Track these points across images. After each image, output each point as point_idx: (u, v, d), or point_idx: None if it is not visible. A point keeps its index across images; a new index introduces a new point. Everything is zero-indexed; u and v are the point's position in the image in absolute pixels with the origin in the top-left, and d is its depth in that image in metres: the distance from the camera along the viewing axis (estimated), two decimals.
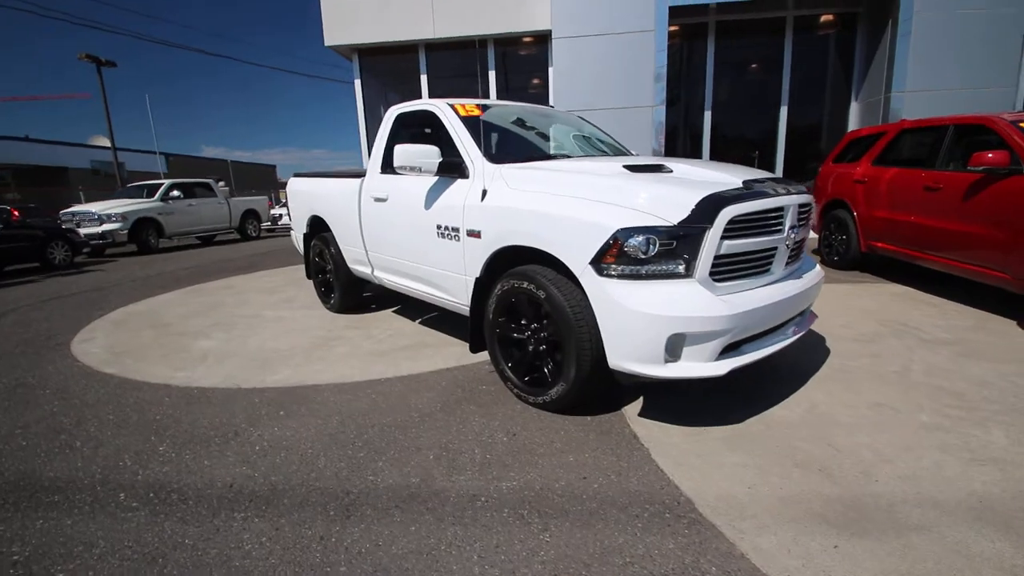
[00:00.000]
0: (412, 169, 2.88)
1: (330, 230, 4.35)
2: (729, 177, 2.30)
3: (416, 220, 3.14)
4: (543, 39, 8.30)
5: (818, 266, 2.81)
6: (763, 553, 1.52)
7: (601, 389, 2.37)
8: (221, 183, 13.44)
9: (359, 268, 4.10)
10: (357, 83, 8.76)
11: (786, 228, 2.35)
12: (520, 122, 3.50)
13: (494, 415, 2.48)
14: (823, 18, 7.99)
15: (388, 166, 3.60)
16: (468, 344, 2.81)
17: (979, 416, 2.28)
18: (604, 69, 7.45)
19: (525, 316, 2.53)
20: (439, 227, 2.95)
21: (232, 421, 2.52)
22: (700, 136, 8.37)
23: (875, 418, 2.30)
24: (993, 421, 2.23)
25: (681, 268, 2.06)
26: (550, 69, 8.38)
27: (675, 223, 2.02)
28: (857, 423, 2.26)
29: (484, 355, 3.19)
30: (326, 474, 2.02)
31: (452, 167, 2.86)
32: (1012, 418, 2.24)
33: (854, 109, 8.07)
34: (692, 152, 8.47)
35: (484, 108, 3.30)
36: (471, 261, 2.77)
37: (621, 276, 2.08)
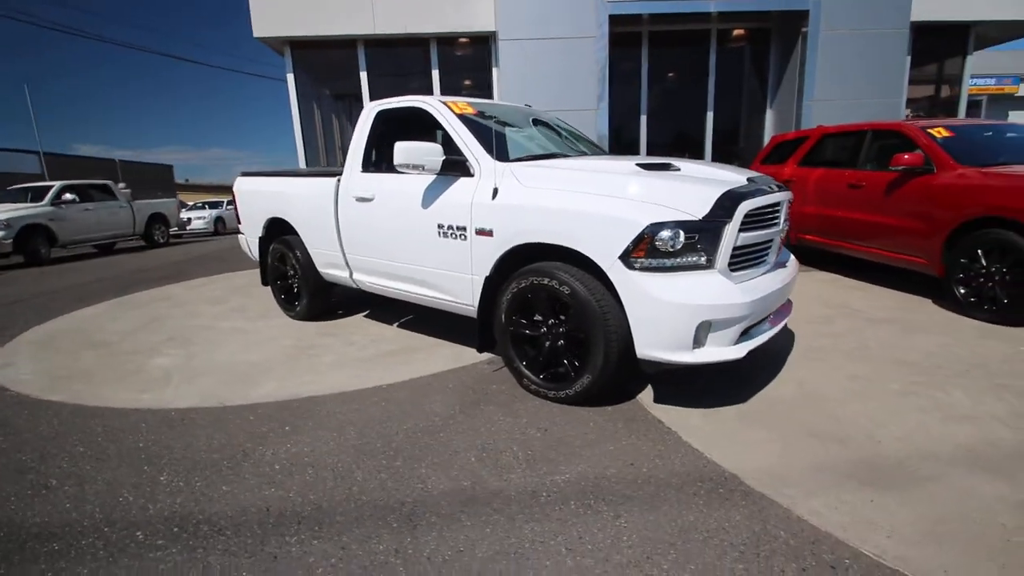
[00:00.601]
0: (415, 167, 2.79)
1: (295, 233, 4.08)
2: (735, 175, 2.48)
3: (411, 220, 3.05)
4: (485, 40, 8.32)
5: (792, 256, 3.10)
6: (817, 514, 1.67)
7: (623, 379, 2.46)
8: (122, 185, 12.06)
9: (332, 272, 3.89)
10: (290, 78, 8.22)
11: (781, 221, 2.58)
12: (505, 121, 3.50)
13: (518, 413, 2.49)
14: (736, 32, 8.75)
15: (370, 164, 3.47)
16: (458, 345, 2.81)
17: (937, 381, 2.65)
18: (550, 72, 7.61)
19: (542, 313, 2.56)
20: (441, 227, 2.89)
21: (233, 442, 2.31)
22: (637, 139, 8.82)
23: (857, 390, 2.60)
24: (950, 384, 2.60)
25: (704, 260, 2.20)
26: (494, 70, 8.42)
27: (700, 217, 2.16)
28: (844, 395, 2.54)
29: (477, 355, 3.18)
30: (369, 486, 1.92)
31: (456, 165, 2.82)
32: (964, 381, 2.64)
33: (769, 116, 8.92)
34: (630, 153, 8.90)
35: (473, 106, 3.28)
36: (479, 260, 2.75)
37: (650, 269, 2.18)
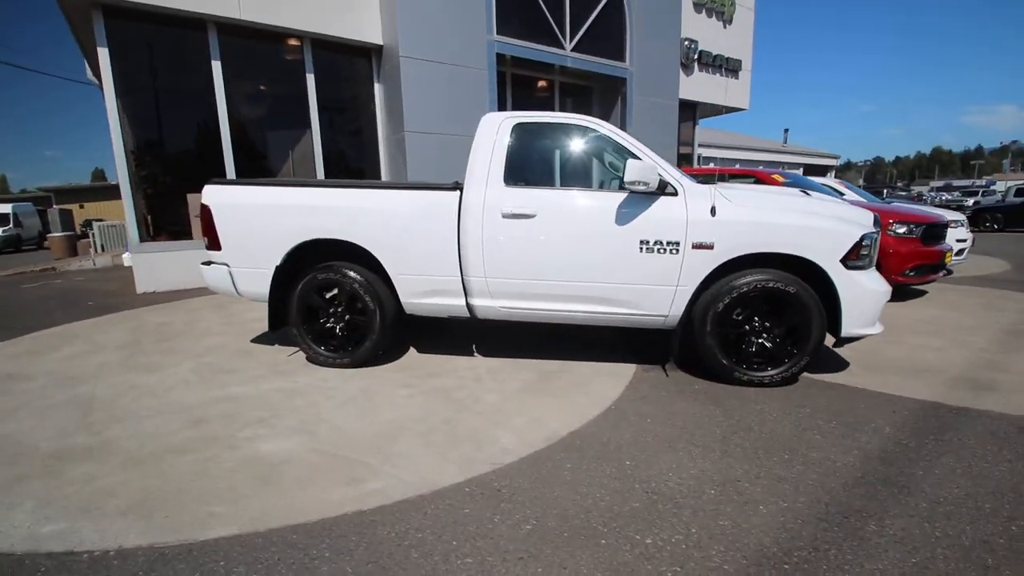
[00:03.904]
0: (643, 184, 2.85)
1: (354, 258, 3.33)
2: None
3: (601, 237, 3.04)
4: (368, 52, 7.72)
5: None
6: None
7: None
8: None
9: (431, 301, 3.34)
10: (103, 54, 5.82)
11: None
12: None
13: (769, 397, 2.88)
14: (575, 85, 10.50)
15: (518, 178, 3.22)
16: (571, 360, 3.03)
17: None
18: (442, 95, 7.61)
19: (757, 312, 3.02)
20: (645, 242, 3.01)
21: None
22: None
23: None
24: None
25: (870, 260, 3.09)
26: (376, 85, 7.87)
27: (874, 230, 3.05)
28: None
29: (632, 364, 3.39)
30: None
31: (663, 185, 3.00)
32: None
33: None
34: None
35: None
36: (690, 272, 3.01)
37: (856, 268, 2.94)
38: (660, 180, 2.98)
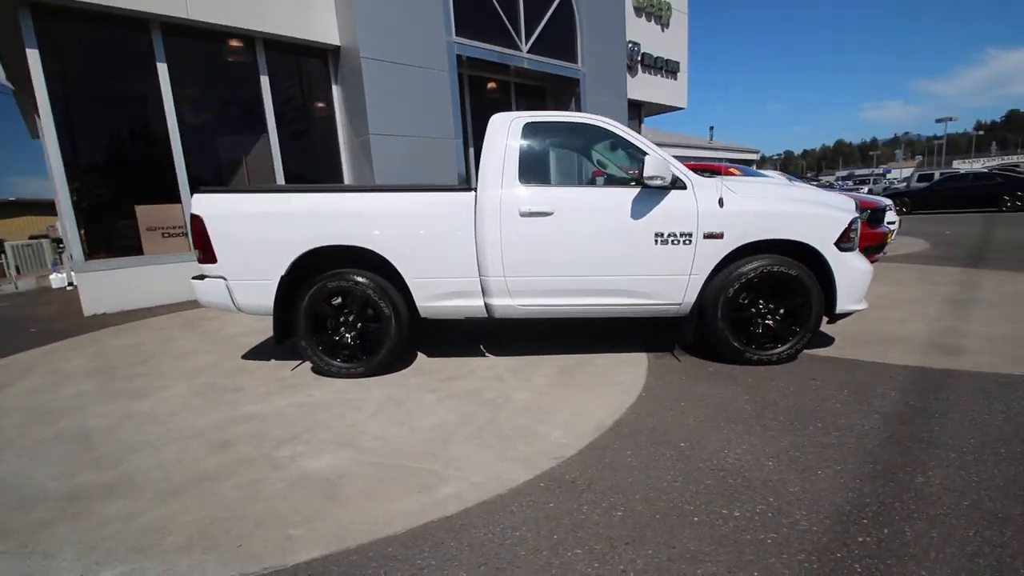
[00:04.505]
0: (660, 178, 2.97)
1: (364, 263, 3.24)
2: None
3: (619, 231, 3.14)
4: (324, 53, 7.42)
5: None
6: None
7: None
8: None
9: (449, 303, 3.31)
10: (33, 56, 5.19)
11: None
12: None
13: (790, 374, 3.09)
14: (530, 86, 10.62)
15: (531, 177, 3.24)
16: (590, 353, 3.19)
17: None
18: (410, 98, 7.49)
19: (762, 295, 3.23)
20: (660, 235, 3.13)
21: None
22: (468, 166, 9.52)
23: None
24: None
25: (855, 242, 3.39)
26: (335, 87, 7.59)
27: (857, 214, 3.34)
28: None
29: (650, 351, 3.54)
30: None
31: (675, 180, 3.13)
32: None
33: None
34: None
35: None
36: (702, 261, 3.17)
37: (846, 250, 3.22)
38: (675, 176, 3.12)
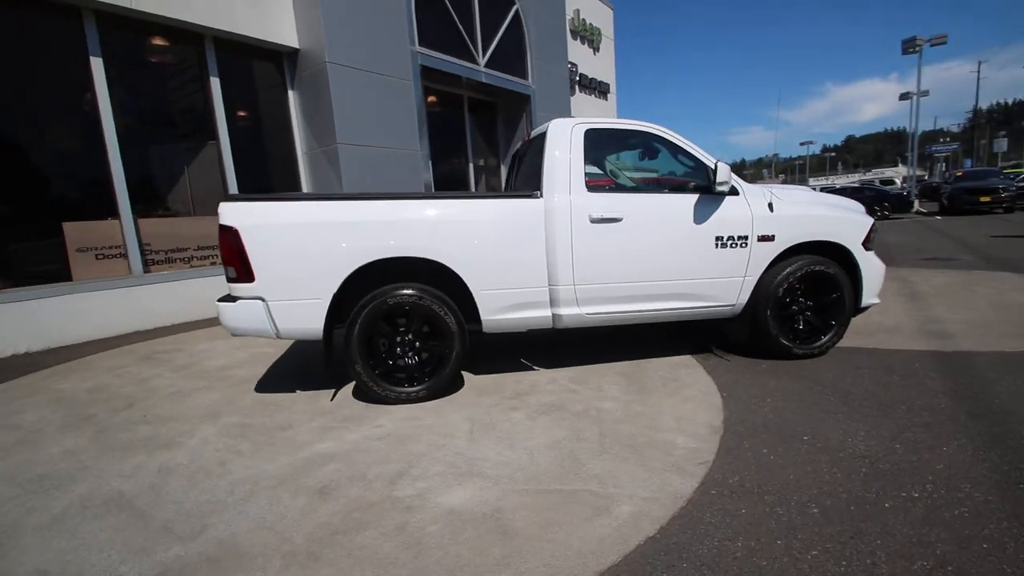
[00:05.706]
0: (726, 184, 3.09)
1: (419, 278, 3.02)
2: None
3: (684, 236, 3.22)
4: (280, 56, 6.80)
5: None
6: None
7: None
8: None
9: (517, 315, 3.16)
10: None
11: None
12: None
13: (814, 378, 3.32)
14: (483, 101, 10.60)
15: (588, 183, 3.21)
16: (636, 360, 3.35)
17: None
18: (376, 107, 7.11)
19: (803, 294, 3.48)
20: (720, 238, 3.25)
21: None
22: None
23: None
24: None
25: (873, 243, 3.77)
26: (291, 92, 6.98)
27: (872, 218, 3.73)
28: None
29: (688, 354, 3.66)
30: None
31: (731, 187, 3.27)
32: None
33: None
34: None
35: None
36: (755, 262, 3.34)
37: (868, 249, 3.58)
38: (733, 184, 3.27)
